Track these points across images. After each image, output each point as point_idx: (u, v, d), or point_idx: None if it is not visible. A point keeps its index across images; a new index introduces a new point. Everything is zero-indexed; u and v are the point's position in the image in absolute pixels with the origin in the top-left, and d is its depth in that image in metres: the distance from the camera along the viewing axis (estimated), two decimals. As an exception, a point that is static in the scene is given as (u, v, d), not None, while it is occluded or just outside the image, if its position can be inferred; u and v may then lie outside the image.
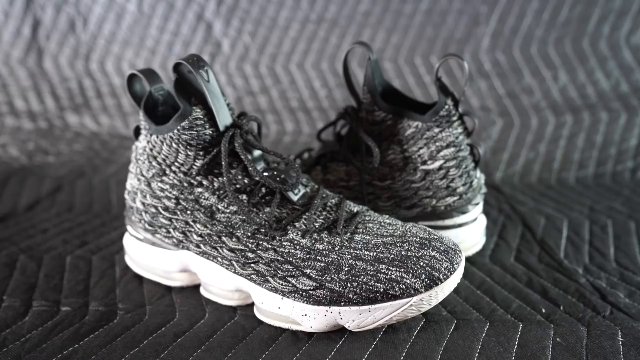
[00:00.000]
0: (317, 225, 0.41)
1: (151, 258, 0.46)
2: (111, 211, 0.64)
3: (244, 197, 0.42)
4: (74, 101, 0.89)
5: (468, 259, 0.51)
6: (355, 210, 0.43)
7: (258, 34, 0.89)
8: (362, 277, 0.38)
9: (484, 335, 0.39)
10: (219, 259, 0.42)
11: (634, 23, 0.82)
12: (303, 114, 0.88)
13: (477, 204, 0.51)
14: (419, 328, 0.40)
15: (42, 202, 0.67)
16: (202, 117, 0.42)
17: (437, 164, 0.49)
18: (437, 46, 0.86)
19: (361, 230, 0.41)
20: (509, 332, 0.40)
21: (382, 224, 0.41)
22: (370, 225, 0.41)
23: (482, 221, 0.53)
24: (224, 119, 0.43)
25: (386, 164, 0.50)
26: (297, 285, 0.39)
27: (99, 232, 0.58)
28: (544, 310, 0.43)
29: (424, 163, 0.49)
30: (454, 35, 0.86)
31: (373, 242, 0.39)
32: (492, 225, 0.59)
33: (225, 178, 0.41)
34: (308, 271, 0.39)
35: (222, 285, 0.43)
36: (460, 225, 0.50)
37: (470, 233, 0.51)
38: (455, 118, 0.49)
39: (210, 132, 0.42)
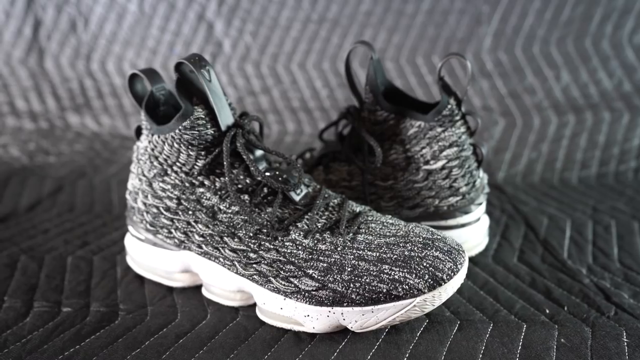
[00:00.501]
0: (319, 225, 0.40)
1: (152, 258, 0.46)
2: (112, 211, 0.64)
3: (246, 197, 0.41)
4: (75, 101, 0.89)
5: (471, 259, 0.51)
6: (358, 210, 0.43)
7: (259, 33, 0.89)
8: (365, 277, 0.37)
9: (487, 335, 0.39)
10: (221, 259, 0.42)
11: (637, 22, 0.82)
12: (304, 114, 0.87)
13: (480, 204, 0.51)
14: (422, 329, 0.40)
15: (42, 202, 0.67)
16: (203, 116, 0.42)
17: (440, 164, 0.48)
18: (438, 46, 0.86)
19: (363, 230, 0.40)
20: (512, 332, 0.39)
21: (385, 223, 0.41)
22: (373, 225, 0.41)
23: (485, 221, 0.52)
24: (226, 118, 0.42)
25: (388, 163, 0.50)
26: (299, 286, 0.39)
27: (100, 232, 0.58)
28: (547, 311, 0.42)
29: (427, 163, 0.49)
30: (456, 34, 0.86)
31: (376, 242, 0.39)
32: (494, 225, 0.59)
33: (226, 178, 0.41)
34: (310, 271, 0.38)
35: (224, 285, 0.43)
36: (462, 225, 0.50)
37: (472, 233, 0.50)
38: (457, 117, 0.49)
39: (212, 132, 0.42)
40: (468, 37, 0.85)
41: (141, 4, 0.89)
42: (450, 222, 0.49)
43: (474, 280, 0.47)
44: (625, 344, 0.38)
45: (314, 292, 0.38)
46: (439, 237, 0.40)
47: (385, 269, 0.37)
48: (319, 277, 0.38)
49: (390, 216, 0.43)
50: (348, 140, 0.52)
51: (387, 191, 0.50)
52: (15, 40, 0.89)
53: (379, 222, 0.41)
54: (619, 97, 0.81)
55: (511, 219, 0.61)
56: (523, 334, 0.39)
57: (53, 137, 0.85)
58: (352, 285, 0.37)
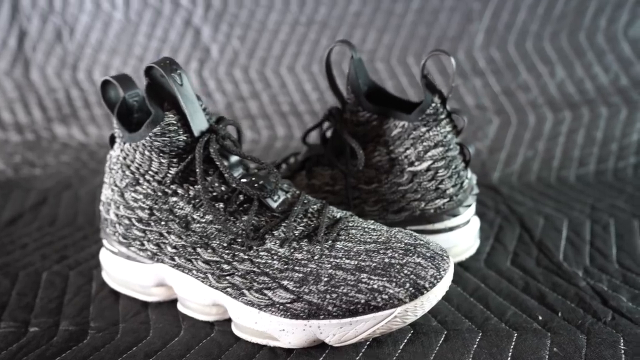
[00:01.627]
0: (296, 233, 0.38)
1: (126, 272, 0.44)
2: (94, 223, 0.62)
3: (221, 205, 0.40)
4: (61, 112, 0.87)
5: (461, 264, 0.49)
6: (338, 216, 0.41)
7: (247, 37, 0.87)
8: (342, 287, 0.35)
9: (475, 346, 0.37)
10: (194, 271, 0.40)
11: (631, 14, 0.80)
12: (294, 118, 0.86)
13: (469, 206, 0.48)
14: (405, 340, 0.38)
15: (24, 216, 0.65)
16: (175, 122, 0.40)
17: (425, 165, 0.46)
18: (429, 45, 0.84)
19: (343, 237, 0.38)
20: (502, 342, 0.37)
21: (366, 229, 0.39)
22: (353, 231, 0.39)
23: (475, 223, 0.50)
24: (199, 123, 0.41)
25: (372, 166, 0.48)
26: (273, 298, 0.36)
27: (79, 246, 0.56)
28: (540, 317, 0.40)
29: (411, 164, 0.47)
30: (447, 33, 0.84)
31: (355, 250, 0.37)
32: (488, 227, 0.57)
33: (200, 185, 0.39)
34: (285, 282, 0.36)
35: (198, 299, 0.41)
36: (451, 229, 0.47)
37: (462, 236, 0.48)
38: (442, 116, 0.47)
39: (184, 138, 0.40)
40: (459, 35, 0.84)
41: (127, 11, 0.88)
42: (438, 225, 0.47)
43: (464, 286, 0.45)
44: (623, 351, 0.36)
45: (288, 305, 0.36)
46: (421, 242, 0.38)
47: (364, 278, 0.35)
48: (294, 289, 0.36)
49: (372, 221, 0.41)
50: (330, 143, 0.50)
51: (371, 195, 0.48)
52: (0, 52, 0.87)
53: (360, 227, 0.39)
54: (616, 91, 0.79)
55: (506, 221, 0.59)
56: (513, 343, 0.37)
57: (39, 148, 0.84)
58: (328, 297, 0.35)
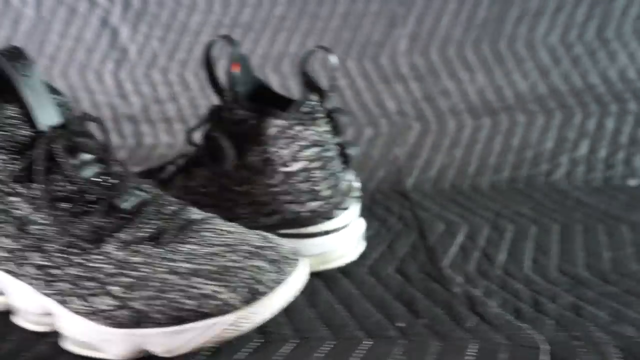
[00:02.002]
0: (141, 234, 0.36)
1: (-36, 279, 0.40)
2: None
3: (65, 205, 0.36)
4: (-36, 112, 0.83)
5: (341, 270, 0.46)
6: (193, 218, 0.38)
7: (167, 39, 0.85)
8: (171, 293, 0.32)
9: (316, 354, 0.34)
10: (25, 277, 0.36)
11: (550, 23, 0.80)
12: (213, 122, 0.83)
13: (346, 209, 0.46)
14: (246, 349, 0.35)
15: None
16: (16, 115, 0.37)
17: (299, 165, 0.44)
18: (353, 49, 0.83)
19: (193, 240, 0.35)
20: (348, 350, 0.34)
21: (221, 232, 0.36)
22: (207, 234, 0.36)
23: (357, 227, 0.48)
24: (47, 118, 0.37)
25: (245, 166, 0.45)
26: (98, 306, 0.33)
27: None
28: (402, 324, 0.38)
29: (285, 164, 0.44)
30: (371, 37, 0.83)
31: (200, 253, 0.34)
32: (385, 232, 0.55)
33: (40, 184, 0.36)
34: (112, 288, 0.33)
35: (29, 308, 0.37)
36: (327, 232, 0.45)
37: (339, 241, 0.46)
38: (320, 115, 0.45)
39: (29, 133, 0.37)
40: (383, 40, 0.83)
41: (38, 8, 0.84)
42: (312, 229, 0.45)
43: (337, 292, 0.43)
44: (474, 358, 0.33)
45: (112, 312, 0.33)
46: (272, 245, 0.35)
47: (197, 283, 0.32)
48: (120, 295, 0.33)
49: (234, 224, 0.38)
50: (205, 143, 0.47)
51: (243, 197, 0.45)
52: None
53: (215, 230, 0.37)
54: (534, 99, 0.79)
55: (406, 227, 0.57)
56: (362, 352, 0.34)
57: None
58: (154, 303, 0.32)
